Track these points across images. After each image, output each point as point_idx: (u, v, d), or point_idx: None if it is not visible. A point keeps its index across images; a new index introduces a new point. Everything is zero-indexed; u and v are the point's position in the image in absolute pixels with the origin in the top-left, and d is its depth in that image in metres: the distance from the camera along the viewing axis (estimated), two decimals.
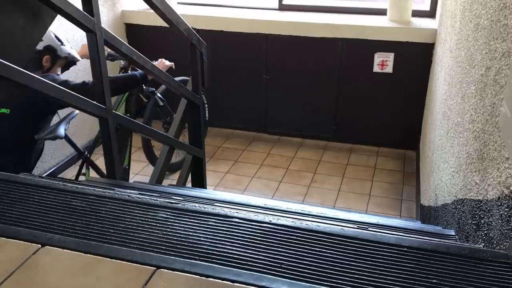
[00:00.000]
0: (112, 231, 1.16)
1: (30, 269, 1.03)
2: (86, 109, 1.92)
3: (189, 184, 3.02)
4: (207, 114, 3.84)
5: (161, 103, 3.40)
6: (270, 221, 1.21)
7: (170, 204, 1.30)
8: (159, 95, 3.36)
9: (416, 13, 3.76)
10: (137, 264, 1.03)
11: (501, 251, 1.09)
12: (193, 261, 1.05)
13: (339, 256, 1.08)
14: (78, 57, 2.82)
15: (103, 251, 1.07)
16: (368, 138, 4.06)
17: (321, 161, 3.88)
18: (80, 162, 3.17)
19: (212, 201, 1.87)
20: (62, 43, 2.70)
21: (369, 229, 1.42)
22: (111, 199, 1.31)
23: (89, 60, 1.93)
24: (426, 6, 3.84)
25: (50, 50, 2.64)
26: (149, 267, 1.02)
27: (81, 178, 3.07)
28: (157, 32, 3.97)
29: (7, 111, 2.52)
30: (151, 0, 2.12)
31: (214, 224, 1.20)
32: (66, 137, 2.80)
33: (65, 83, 2.52)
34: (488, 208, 1.21)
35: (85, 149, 3.20)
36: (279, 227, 1.18)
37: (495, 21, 1.31)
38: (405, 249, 1.11)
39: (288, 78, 3.97)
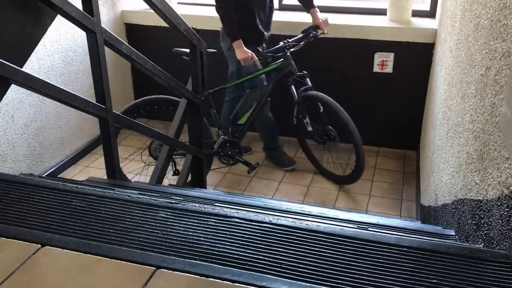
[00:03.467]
0: (112, 231, 1.16)
1: (30, 269, 1.03)
2: (86, 109, 1.92)
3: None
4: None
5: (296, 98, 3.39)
6: (270, 221, 1.21)
7: (170, 204, 1.30)
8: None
9: (416, 13, 3.76)
10: (137, 264, 1.03)
11: (501, 251, 1.09)
12: (193, 261, 1.05)
13: (339, 256, 1.08)
14: None
15: (103, 251, 1.07)
16: (368, 138, 4.05)
17: None
18: None
19: (212, 201, 1.87)
20: None
21: (369, 229, 1.42)
22: (111, 199, 1.31)
23: (89, 60, 1.93)
24: (426, 6, 3.84)
25: None
26: (149, 267, 1.02)
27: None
28: (157, 32, 3.97)
29: None
30: (151, 0, 2.12)
31: (214, 224, 1.20)
32: None
33: None
34: (488, 208, 1.21)
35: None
36: (279, 227, 1.19)
37: (495, 21, 1.31)
38: (405, 249, 1.11)
39: None
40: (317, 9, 3.44)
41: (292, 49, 3.34)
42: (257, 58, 3.27)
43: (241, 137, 3.52)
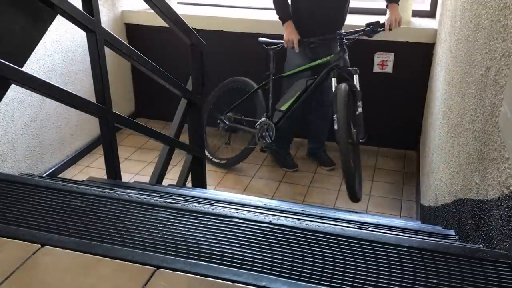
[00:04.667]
0: (112, 231, 1.16)
1: (30, 269, 1.03)
2: (86, 109, 1.92)
3: (189, 184, 3.02)
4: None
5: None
6: (270, 221, 1.21)
7: (170, 204, 1.30)
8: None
9: (416, 13, 3.76)
10: (137, 264, 1.03)
11: (501, 251, 1.09)
12: (193, 261, 1.05)
13: (339, 256, 1.08)
14: None
15: (103, 251, 1.07)
16: (368, 138, 4.05)
17: None
18: None
19: (212, 201, 1.87)
20: None
21: (369, 229, 1.42)
22: (111, 199, 1.31)
23: (89, 60, 1.93)
24: (426, 6, 3.84)
25: None
26: (149, 267, 1.02)
27: None
28: (157, 32, 3.97)
29: None
30: (151, 0, 2.12)
31: (214, 224, 1.20)
32: None
33: None
34: (488, 208, 1.21)
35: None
36: (279, 227, 1.19)
37: (495, 21, 1.31)
38: (405, 249, 1.11)
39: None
40: (398, 5, 3.20)
41: (343, 42, 3.12)
42: (297, 43, 3.21)
43: (282, 123, 3.46)
